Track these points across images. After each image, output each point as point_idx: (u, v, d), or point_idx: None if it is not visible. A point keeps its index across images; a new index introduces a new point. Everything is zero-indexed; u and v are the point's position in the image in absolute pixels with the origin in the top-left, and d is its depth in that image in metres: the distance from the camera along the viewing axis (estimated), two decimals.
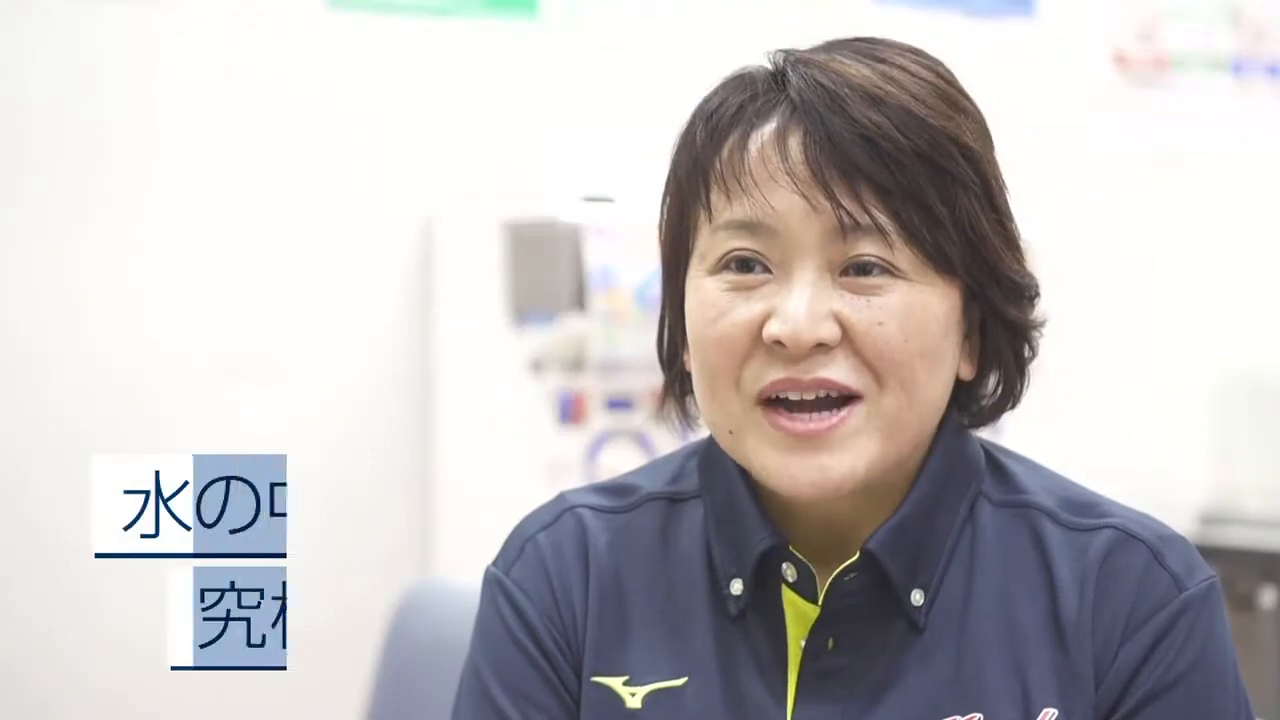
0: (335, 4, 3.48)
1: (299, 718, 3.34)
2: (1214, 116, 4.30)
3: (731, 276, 1.25)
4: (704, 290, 1.26)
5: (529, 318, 3.44)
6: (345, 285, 3.48)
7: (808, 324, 1.22)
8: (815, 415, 1.24)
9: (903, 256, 1.23)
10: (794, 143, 1.23)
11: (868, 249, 1.23)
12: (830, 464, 1.24)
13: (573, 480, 3.14)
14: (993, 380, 1.32)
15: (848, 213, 1.22)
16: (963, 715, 1.27)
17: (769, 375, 1.24)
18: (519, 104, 3.59)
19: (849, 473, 1.24)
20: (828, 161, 1.22)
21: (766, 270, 1.24)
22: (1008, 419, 1.34)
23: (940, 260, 1.24)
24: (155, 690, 3.23)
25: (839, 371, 1.23)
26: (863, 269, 1.23)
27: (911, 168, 1.22)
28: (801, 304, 1.22)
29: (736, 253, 1.25)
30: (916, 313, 1.24)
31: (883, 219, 1.22)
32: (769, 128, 1.24)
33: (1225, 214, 4.30)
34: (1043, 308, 1.33)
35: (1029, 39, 4.11)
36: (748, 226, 1.24)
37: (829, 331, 1.23)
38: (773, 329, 1.23)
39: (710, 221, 1.26)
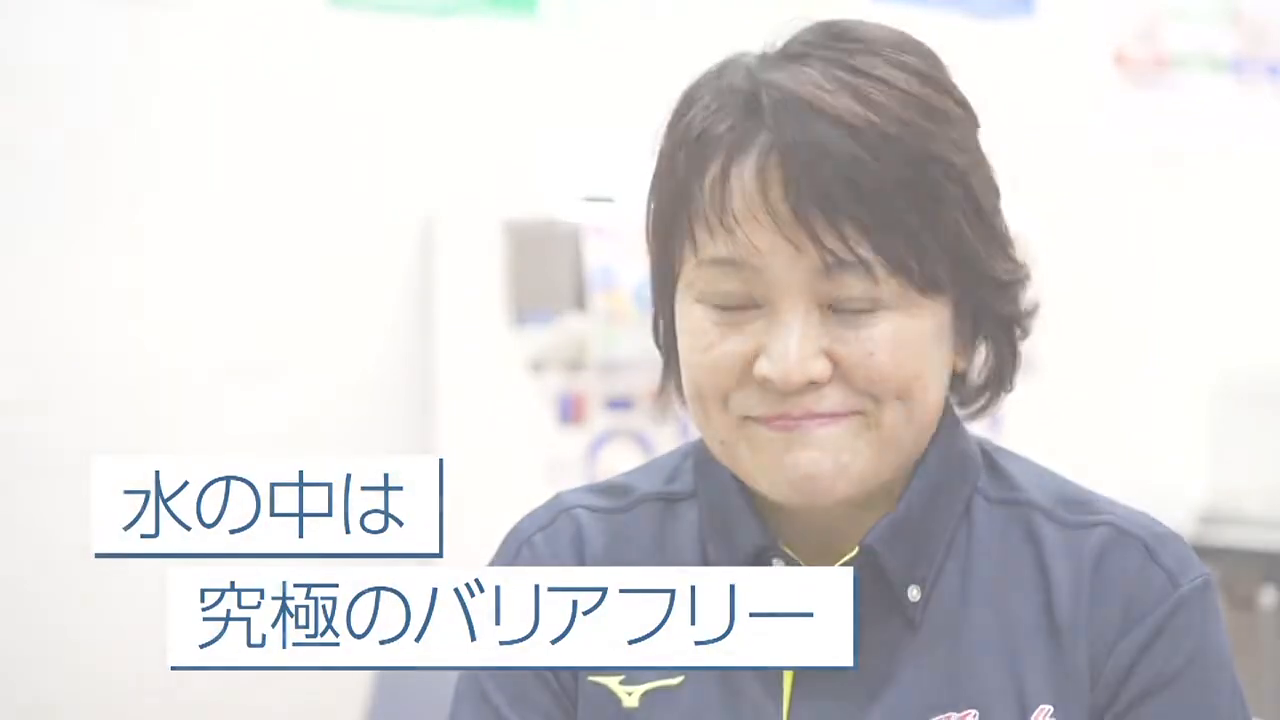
0: (336, 3, 3.48)
1: (299, 718, 3.34)
2: (1214, 116, 4.30)
3: (719, 310, 1.24)
4: (693, 318, 1.26)
5: (529, 318, 3.44)
6: (345, 285, 3.49)
7: (798, 365, 1.21)
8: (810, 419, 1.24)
9: (888, 288, 1.22)
10: (774, 180, 1.21)
11: (853, 285, 1.21)
12: (821, 459, 1.23)
13: (573, 480, 3.14)
14: (987, 366, 1.32)
15: (831, 252, 1.20)
16: (958, 713, 1.27)
17: (759, 407, 1.24)
18: (519, 104, 3.60)
19: (839, 470, 1.24)
20: (809, 201, 1.20)
21: (755, 304, 1.24)
22: (1007, 418, 1.35)
23: (928, 284, 1.23)
24: (155, 690, 3.23)
25: (833, 403, 1.23)
26: (849, 302, 1.23)
27: (894, 198, 1.20)
28: (791, 345, 1.21)
29: (723, 290, 1.24)
30: (907, 338, 1.23)
31: (867, 255, 1.20)
32: (749, 162, 1.22)
33: (1225, 214, 4.30)
34: (1041, 306, 1.32)
35: (1029, 39, 4.11)
36: (734, 264, 1.23)
37: (820, 370, 1.22)
38: (763, 369, 1.22)
39: (695, 254, 1.25)
